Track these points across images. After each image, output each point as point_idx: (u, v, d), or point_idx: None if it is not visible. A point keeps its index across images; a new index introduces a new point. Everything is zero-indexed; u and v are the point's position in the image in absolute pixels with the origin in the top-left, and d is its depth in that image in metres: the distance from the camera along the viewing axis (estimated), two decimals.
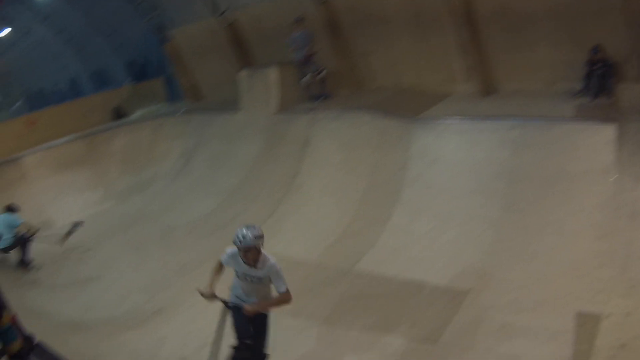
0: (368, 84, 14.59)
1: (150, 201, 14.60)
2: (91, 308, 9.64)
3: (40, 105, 22.74)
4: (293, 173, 12.30)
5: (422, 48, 12.82)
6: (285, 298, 5.92)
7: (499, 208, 8.80)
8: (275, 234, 10.52)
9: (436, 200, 9.64)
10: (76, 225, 12.60)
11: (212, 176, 14.20)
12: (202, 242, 10.97)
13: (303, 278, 9.04)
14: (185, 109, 18.40)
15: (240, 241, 5.66)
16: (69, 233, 12.37)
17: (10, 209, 11.90)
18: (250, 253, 5.72)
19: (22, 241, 11.58)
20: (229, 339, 6.12)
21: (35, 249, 11.80)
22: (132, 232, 12.85)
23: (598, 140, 8.44)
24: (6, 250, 11.56)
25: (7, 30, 24.16)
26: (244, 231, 5.68)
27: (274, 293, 6.05)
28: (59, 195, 15.22)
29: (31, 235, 11.74)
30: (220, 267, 6.19)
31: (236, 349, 6.07)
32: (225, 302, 6.11)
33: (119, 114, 20.42)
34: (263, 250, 5.84)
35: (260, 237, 5.73)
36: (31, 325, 6.72)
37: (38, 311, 9.45)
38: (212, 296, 6.03)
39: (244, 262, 5.82)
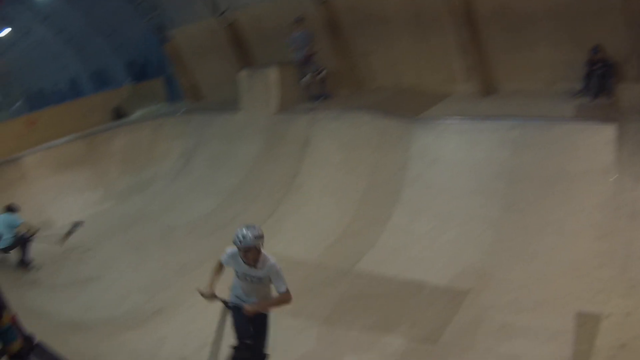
0: (368, 84, 14.59)
1: (150, 201, 14.60)
2: (91, 308, 9.64)
3: (40, 105, 22.74)
4: (293, 173, 12.30)
5: (422, 48, 12.82)
6: (285, 298, 5.91)
7: (499, 208, 8.80)
8: (275, 234, 10.52)
9: (436, 200, 9.64)
10: (76, 225, 12.60)
11: (212, 176, 14.20)
12: (202, 242, 10.97)
13: (303, 278, 9.04)
14: (185, 109, 18.40)
15: (240, 241, 5.65)
16: (69, 233, 12.37)
17: (10, 209, 11.90)
18: (250, 253, 5.71)
19: (22, 241, 11.57)
20: (229, 339, 6.11)
21: (35, 249, 11.80)
22: (132, 232, 12.84)
23: (598, 140, 8.44)
24: (6, 250, 11.56)
25: (7, 30, 24.15)
26: (244, 231, 5.67)
27: (274, 293, 6.04)
28: (59, 195, 15.22)
29: (31, 235, 11.73)
30: (220, 267, 6.18)
31: (236, 349, 6.06)
32: (225, 302, 6.11)
33: (119, 114, 20.42)
34: (263, 250, 5.83)
35: (260, 237, 5.72)
36: (31, 325, 6.72)
37: (38, 311, 9.45)
38: (212, 296, 6.02)
39: (244, 262, 5.81)
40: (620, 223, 7.51)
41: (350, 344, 7.36)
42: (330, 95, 14.21)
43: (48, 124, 17.90)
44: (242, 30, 16.95)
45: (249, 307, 5.90)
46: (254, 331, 6.09)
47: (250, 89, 15.20)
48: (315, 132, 12.68)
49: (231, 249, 5.93)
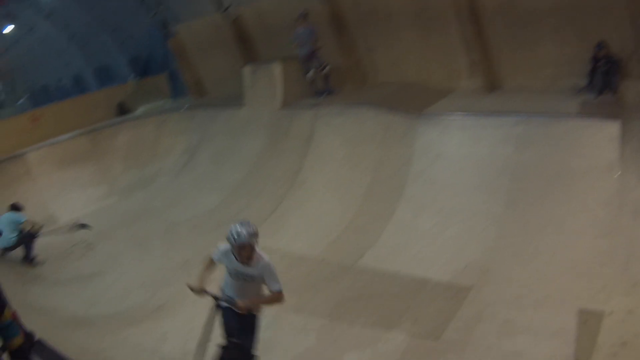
0: (372, 79, 14.57)
1: (154, 197, 14.63)
2: (95, 304, 9.66)
3: (44, 101, 22.89)
4: (297, 168, 12.30)
5: (426, 44, 12.78)
6: (278, 297, 5.83)
7: (502, 204, 8.78)
8: (278, 230, 10.58)
9: (440, 196, 9.63)
10: (83, 226, 12.60)
11: (216, 172, 14.21)
12: (206, 237, 10.94)
13: (306, 274, 9.08)
14: (189, 104, 18.43)
15: (234, 239, 5.56)
16: (74, 228, 12.41)
17: (14, 207, 11.95)
18: (245, 251, 5.60)
19: (26, 239, 11.61)
20: (217, 338, 6.05)
21: (39, 245, 11.84)
22: (136, 228, 12.86)
23: (602, 137, 8.41)
24: (10, 249, 11.58)
25: (11, 26, 24.22)
26: (238, 228, 5.58)
27: (266, 293, 5.97)
28: (63, 191, 15.26)
29: (35, 233, 11.77)
30: (211, 263, 6.08)
31: (224, 348, 5.95)
32: (215, 297, 5.98)
33: (122, 109, 20.47)
34: (257, 248, 5.74)
35: (255, 235, 5.62)
36: (35, 321, 6.75)
37: (42, 307, 9.49)
38: (201, 291, 5.92)
39: (237, 260, 5.72)
40: (623, 221, 7.49)
41: (353, 340, 7.35)
42: (334, 90, 14.19)
43: (52, 120, 17.98)
44: (246, 25, 16.94)
45: (241, 303, 5.77)
46: (243, 331, 5.97)
47: (254, 85, 15.20)
48: (319, 128, 12.67)
49: (224, 245, 5.82)
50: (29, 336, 5.75)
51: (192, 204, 13.34)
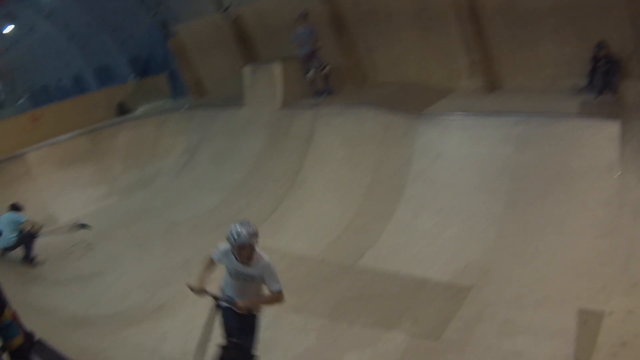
0: (372, 79, 14.57)
1: (154, 197, 14.63)
2: (95, 304, 9.66)
3: (44, 101, 22.90)
4: (296, 168, 12.30)
5: (426, 44, 12.78)
6: (278, 297, 5.82)
7: (502, 204, 8.78)
8: (278, 230, 10.58)
9: (439, 196, 9.62)
10: (83, 226, 12.60)
11: (216, 172, 14.21)
12: (206, 238, 10.94)
13: (306, 274, 9.08)
14: (189, 104, 18.42)
15: (234, 239, 5.54)
16: (74, 228, 12.42)
17: (14, 207, 11.95)
18: (245, 251, 5.58)
19: (26, 239, 11.61)
20: (217, 338, 6.04)
21: (39, 245, 11.84)
22: (136, 228, 12.86)
23: (602, 137, 8.40)
24: (10, 249, 11.57)
25: (11, 27, 24.22)
26: (238, 228, 5.56)
27: (266, 293, 5.95)
28: (63, 191, 15.26)
29: (35, 233, 11.77)
30: (211, 263, 6.07)
31: (224, 348, 5.93)
32: (215, 297, 5.97)
33: (122, 109, 20.47)
34: (257, 248, 5.72)
35: (255, 235, 5.60)
36: (36, 321, 6.74)
37: (42, 307, 9.50)
38: (201, 291, 5.91)
39: (237, 260, 5.70)
40: (623, 221, 7.49)
41: (353, 340, 7.35)
42: (334, 90, 14.18)
43: (52, 120, 17.99)
44: (246, 25, 16.94)
45: (241, 303, 5.76)
46: (243, 331, 5.95)
47: (254, 85, 15.19)
48: (319, 128, 12.66)
49: (223, 245, 5.80)
50: (29, 336, 5.74)
51: (192, 204, 13.33)
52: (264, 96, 14.71)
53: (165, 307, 9.00)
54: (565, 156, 8.64)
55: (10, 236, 11.47)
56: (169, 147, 16.71)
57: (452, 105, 11.36)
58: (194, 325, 8.04)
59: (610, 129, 8.39)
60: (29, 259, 11.60)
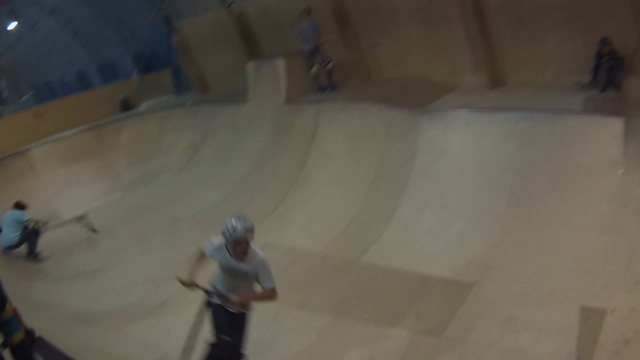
0: (376, 75, 14.56)
1: (158, 193, 14.65)
2: (98, 299, 9.69)
3: (48, 97, 22.98)
4: (300, 164, 12.29)
5: (430, 40, 12.76)
6: (271, 294, 5.74)
7: (505, 201, 8.74)
8: (281, 226, 10.58)
9: (443, 193, 9.60)
10: (81, 218, 12.65)
11: (219, 168, 14.21)
12: (209, 233, 10.89)
13: (309, 270, 9.08)
14: (193, 100, 18.43)
15: (230, 234, 5.43)
16: (82, 220, 12.50)
17: (18, 205, 11.97)
18: (240, 246, 5.49)
19: (30, 235, 11.65)
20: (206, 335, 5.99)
21: (44, 240, 11.87)
22: (139, 224, 12.89)
23: (606, 133, 8.35)
24: (13, 247, 11.60)
25: (15, 23, 24.25)
26: (234, 223, 5.44)
27: (258, 290, 5.89)
28: (67, 187, 15.32)
29: (39, 229, 11.80)
30: (202, 257, 5.99)
31: (213, 345, 5.81)
32: (206, 291, 5.90)
33: (126, 105, 20.50)
34: (252, 244, 5.64)
35: (251, 230, 5.50)
36: (39, 316, 6.75)
37: (46, 302, 9.53)
38: (192, 284, 5.84)
39: (231, 255, 5.62)
40: (627, 218, 7.44)
41: (356, 336, 7.35)
42: (338, 86, 14.17)
43: (56, 116, 18.05)
44: (249, 21, 16.94)
45: (234, 297, 5.69)
46: (233, 328, 5.85)
47: (258, 80, 15.19)
48: (323, 124, 12.65)
49: (217, 239, 5.73)
50: (29, 333, 5.73)
51: (195, 199, 13.34)
52: (267, 92, 14.71)
53: (168, 303, 8.98)
54: (568, 153, 8.59)
55: (13, 235, 11.49)
56: (173, 142, 16.72)
57: (456, 101, 11.33)
58: None
59: (613, 126, 8.34)
60: (33, 255, 11.63)
